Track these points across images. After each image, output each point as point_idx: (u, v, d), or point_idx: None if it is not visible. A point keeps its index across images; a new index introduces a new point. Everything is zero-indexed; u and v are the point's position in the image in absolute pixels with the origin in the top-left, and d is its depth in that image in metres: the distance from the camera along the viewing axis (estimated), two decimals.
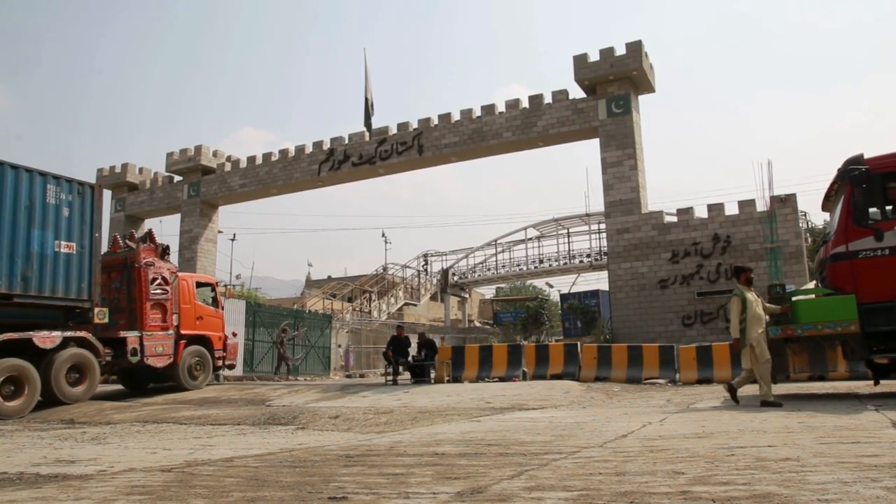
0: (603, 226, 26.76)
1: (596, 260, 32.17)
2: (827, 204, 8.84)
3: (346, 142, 27.48)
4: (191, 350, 13.71)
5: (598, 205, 28.04)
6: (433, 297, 40.59)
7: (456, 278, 38.36)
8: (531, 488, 3.01)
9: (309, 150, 28.20)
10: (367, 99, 23.58)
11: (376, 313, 34.57)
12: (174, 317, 13.30)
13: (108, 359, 11.68)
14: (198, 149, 30.54)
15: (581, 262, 33.53)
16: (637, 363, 13.58)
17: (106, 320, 11.49)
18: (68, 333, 10.82)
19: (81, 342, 11.03)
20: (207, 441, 6.15)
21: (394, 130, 26.55)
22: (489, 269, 37.46)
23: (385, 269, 40.60)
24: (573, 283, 37.33)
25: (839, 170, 7.92)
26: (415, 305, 39.23)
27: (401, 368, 15.37)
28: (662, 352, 13.74)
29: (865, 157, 7.78)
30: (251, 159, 29.88)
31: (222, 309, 15.18)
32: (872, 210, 7.79)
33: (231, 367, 15.73)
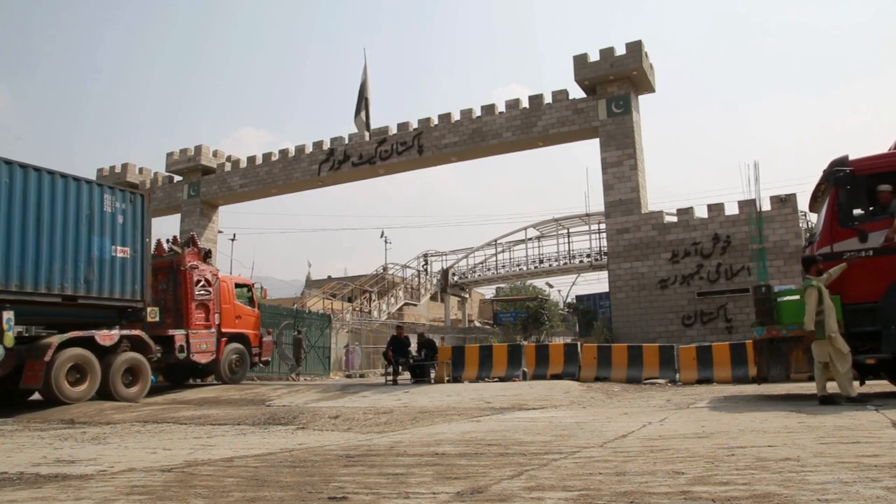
0: (603, 226, 26.77)
1: (596, 260, 32.19)
2: (814, 205, 8.88)
3: (346, 142, 27.49)
4: (231, 347, 14.67)
5: (598, 205, 28.06)
6: (433, 297, 40.61)
7: (456, 278, 38.38)
8: (531, 488, 3.01)
9: (309, 150, 28.21)
10: (366, 99, 23.59)
11: (376, 313, 34.57)
12: (216, 316, 14.19)
13: (158, 355, 12.54)
14: (198, 149, 30.55)
15: (581, 262, 33.54)
16: (637, 363, 13.59)
17: (157, 319, 12.38)
18: (124, 332, 11.69)
19: (135, 340, 11.91)
20: (207, 441, 6.15)
21: (394, 130, 26.56)
22: (489, 269, 37.48)
23: (385, 269, 40.61)
24: (573, 283, 37.39)
25: (824, 171, 7.98)
26: (415, 305, 39.24)
27: (401, 368, 15.38)
28: (662, 352, 13.75)
29: (850, 158, 7.83)
30: (251, 159, 29.89)
31: (258, 309, 16.11)
32: (857, 211, 7.82)
33: (266, 363, 16.67)
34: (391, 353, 15.16)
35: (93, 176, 31.97)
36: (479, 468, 3.68)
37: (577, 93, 23.72)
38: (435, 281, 39.89)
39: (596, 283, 35.21)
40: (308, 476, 3.65)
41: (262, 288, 17.90)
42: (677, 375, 13.18)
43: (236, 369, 14.88)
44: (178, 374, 14.77)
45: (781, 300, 8.05)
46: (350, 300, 35.75)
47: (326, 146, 27.92)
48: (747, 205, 20.85)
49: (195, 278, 13.76)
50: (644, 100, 23.90)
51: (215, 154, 31.19)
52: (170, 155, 31.35)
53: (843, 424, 5.15)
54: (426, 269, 41.12)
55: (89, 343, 10.97)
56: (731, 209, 20.98)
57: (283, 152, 28.96)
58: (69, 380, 10.61)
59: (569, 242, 34.13)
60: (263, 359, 16.06)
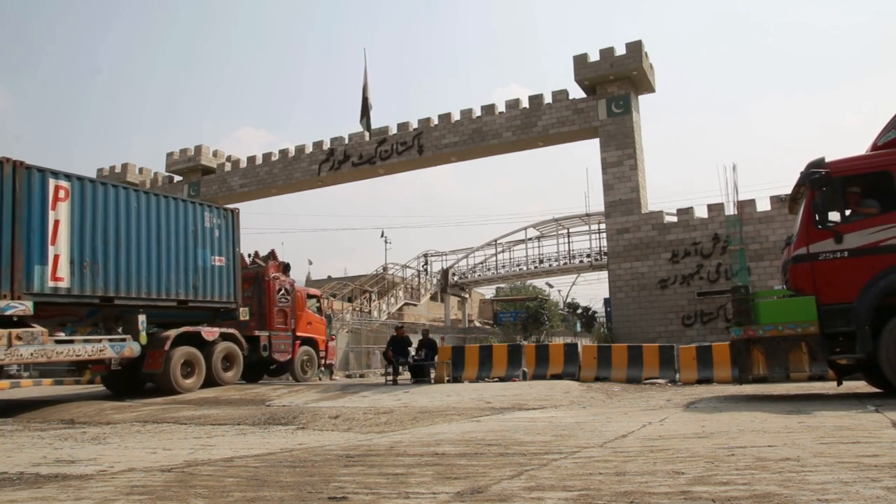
0: (603, 226, 26.78)
1: (596, 260, 32.18)
2: (793, 206, 8.95)
3: (346, 142, 27.50)
4: (303, 349, 16.64)
5: (598, 205, 28.06)
6: (433, 297, 40.60)
7: (456, 278, 38.37)
8: (531, 488, 3.01)
9: (309, 150, 28.22)
10: (366, 98, 23.60)
11: (376, 313, 34.57)
12: (292, 321, 16.15)
13: (246, 353, 14.41)
14: (198, 149, 30.56)
15: (581, 262, 33.53)
16: (637, 363, 13.58)
17: (247, 318, 14.44)
18: (223, 330, 13.73)
19: (231, 337, 13.97)
20: (207, 441, 6.15)
21: (394, 130, 26.56)
22: (489, 269, 37.47)
23: (385, 269, 40.60)
24: (573, 283, 37.38)
25: (802, 173, 8.03)
26: (415, 305, 39.24)
27: (401, 368, 15.38)
28: (662, 352, 13.74)
29: (827, 160, 7.87)
30: (251, 159, 29.90)
31: (325, 317, 18.27)
32: (834, 213, 7.88)
33: (330, 365, 18.72)
34: (391, 352, 15.17)
35: (92, 176, 31.99)
36: (479, 468, 3.68)
37: (577, 93, 23.73)
38: (435, 281, 39.89)
39: (596, 283, 35.22)
40: (308, 476, 3.65)
41: (328, 299, 19.87)
42: (677, 375, 13.17)
43: (306, 369, 16.71)
44: (254, 371, 16.01)
45: (759, 301, 8.10)
46: (350, 300, 35.76)
47: (326, 146, 27.92)
48: (747, 205, 20.88)
49: (277, 287, 15.77)
50: (644, 100, 23.92)
51: (215, 154, 31.20)
52: (170, 155, 31.35)
53: (843, 424, 5.15)
54: (426, 269, 41.11)
55: (197, 337, 13.08)
56: (732, 209, 20.97)
57: (283, 152, 28.96)
58: (182, 372, 12.78)
59: (569, 242, 34.13)
60: (328, 361, 18.12)
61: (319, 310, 17.90)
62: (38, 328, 10.51)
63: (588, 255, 33.12)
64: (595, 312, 37.89)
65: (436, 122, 25.85)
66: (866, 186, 7.90)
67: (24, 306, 10.30)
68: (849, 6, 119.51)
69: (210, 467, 4.21)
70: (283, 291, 15.92)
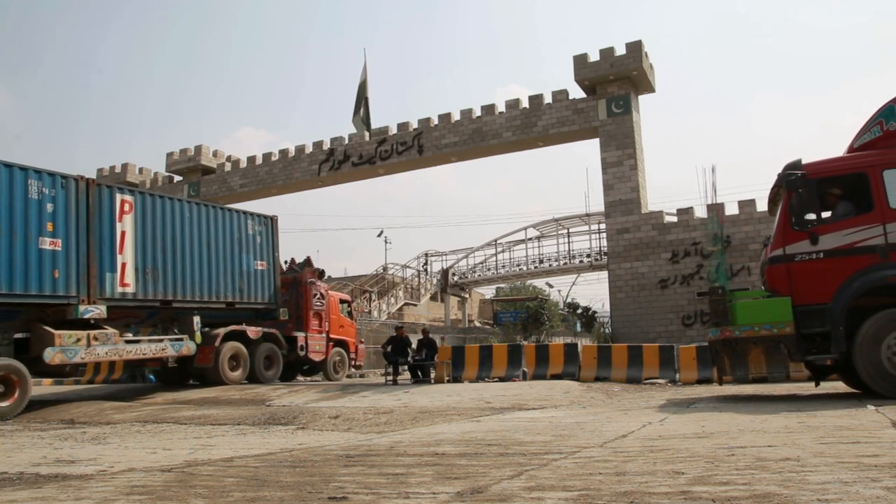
0: (603, 226, 26.77)
1: (596, 260, 32.17)
2: (772, 207, 9.03)
3: (346, 142, 27.49)
4: (336, 350, 17.62)
5: (598, 205, 28.06)
6: (433, 297, 40.58)
7: (456, 278, 38.36)
8: (531, 488, 3.01)
9: (309, 150, 28.20)
10: (366, 98, 23.58)
11: (376, 313, 34.57)
12: (326, 324, 17.17)
13: (286, 352, 15.55)
14: (198, 149, 30.55)
15: (581, 262, 33.52)
16: (637, 363, 13.57)
17: (286, 318, 15.52)
18: (265, 329, 14.89)
19: (272, 337, 15.16)
20: (207, 441, 6.15)
21: (394, 130, 26.55)
22: (489, 269, 37.45)
23: (385, 269, 40.60)
24: (573, 283, 37.37)
25: (779, 174, 8.09)
26: (415, 305, 39.23)
27: (401, 368, 15.38)
28: (662, 352, 13.73)
29: (804, 162, 7.92)
30: (251, 159, 29.89)
31: (355, 321, 19.49)
32: (811, 214, 7.94)
33: (359, 367, 19.97)
34: (391, 352, 15.18)
35: (93, 176, 31.99)
36: (479, 468, 3.68)
37: (577, 93, 23.72)
38: (435, 281, 39.87)
39: (596, 282, 35.24)
40: (308, 476, 3.65)
41: (357, 305, 20.34)
42: (677, 375, 13.17)
43: (338, 369, 17.70)
44: (288, 371, 16.70)
45: (737, 301, 8.14)
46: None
47: (326, 146, 27.90)
48: (747, 205, 20.88)
49: (313, 292, 16.77)
50: (644, 100, 23.91)
51: (215, 154, 31.19)
52: (170, 155, 31.34)
53: (843, 424, 5.15)
54: (426, 269, 41.09)
55: (242, 336, 14.37)
56: (732, 209, 21.00)
57: (283, 152, 28.95)
58: (229, 366, 14.01)
59: (569, 242, 34.12)
60: (358, 363, 19.16)
61: (350, 314, 19.02)
62: (110, 330, 11.67)
63: (588, 255, 33.11)
64: (595, 312, 37.88)
65: (436, 122, 25.84)
66: (842, 188, 7.99)
67: (100, 310, 11.39)
68: (849, 6, 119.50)
69: (210, 467, 4.21)
70: (318, 296, 16.94)
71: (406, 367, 15.61)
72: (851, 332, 7.37)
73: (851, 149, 8.40)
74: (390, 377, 14.92)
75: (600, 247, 31.09)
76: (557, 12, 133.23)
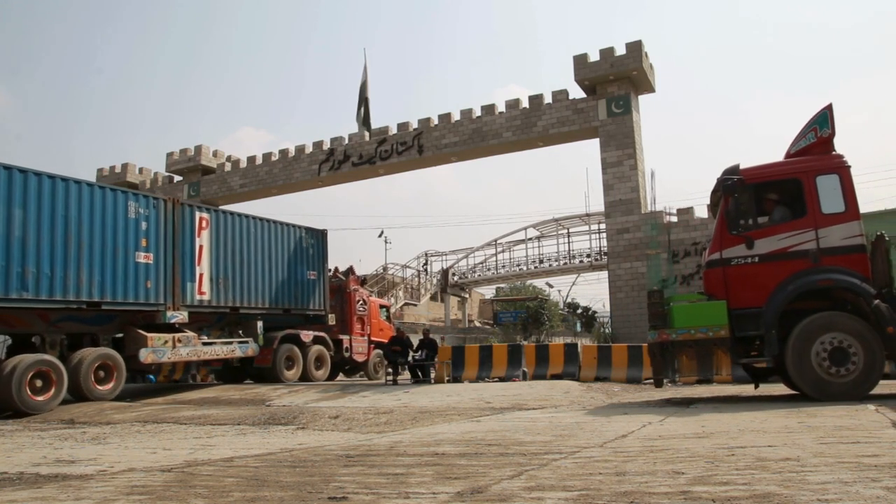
0: (603, 226, 26.76)
1: (596, 260, 32.16)
2: (714, 210, 9.10)
3: (346, 142, 27.47)
4: (376, 352, 18.35)
5: (598, 205, 28.05)
6: (433, 297, 40.56)
7: (456, 278, 38.34)
8: (531, 488, 3.01)
9: (309, 150, 28.19)
10: (366, 99, 23.57)
11: None
12: (368, 327, 18.25)
13: (333, 353, 16.79)
14: (198, 149, 30.54)
15: (581, 262, 33.51)
16: (637, 363, 13.56)
17: (334, 323, 16.94)
18: (316, 333, 16.27)
19: (321, 340, 16.52)
20: (207, 441, 6.15)
21: (394, 130, 26.54)
22: (489, 269, 37.43)
23: (385, 269, 40.58)
24: (573, 283, 37.37)
25: (717, 179, 8.16)
26: (415, 305, 39.21)
27: (400, 368, 15.37)
28: None
29: (742, 167, 8.03)
30: (251, 159, 29.88)
31: (392, 324, 20.27)
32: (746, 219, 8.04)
33: None
34: (391, 351, 15.20)
35: (92, 176, 31.97)
36: (479, 468, 3.68)
37: (577, 93, 23.71)
38: (435, 281, 39.86)
39: (596, 282, 35.24)
40: (308, 476, 3.65)
41: (396, 310, 21.24)
42: (677, 375, 13.16)
43: (378, 369, 18.36)
44: (332, 370, 17.58)
45: (674, 305, 8.21)
46: None
47: (326, 146, 27.89)
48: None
49: (356, 298, 17.97)
50: (644, 99, 23.90)
51: (215, 154, 31.17)
52: (170, 155, 31.33)
53: (843, 424, 5.14)
54: (426, 269, 41.08)
55: (296, 339, 15.69)
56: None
57: (283, 152, 28.94)
58: (285, 366, 15.29)
59: (569, 242, 34.10)
60: None
61: (388, 318, 20.08)
62: (190, 333, 13.13)
63: (588, 255, 33.11)
64: (595, 312, 37.86)
65: (436, 122, 25.82)
66: (778, 193, 8.09)
67: (182, 315, 12.87)
68: (849, 6, 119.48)
69: (210, 467, 4.21)
70: (361, 301, 18.21)
71: (406, 367, 15.60)
72: (784, 336, 7.48)
73: (788, 154, 8.53)
74: (390, 377, 14.92)
75: (600, 247, 31.08)
76: (557, 12, 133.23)
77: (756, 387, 9.27)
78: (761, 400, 8.51)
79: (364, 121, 23.77)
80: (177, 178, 31.43)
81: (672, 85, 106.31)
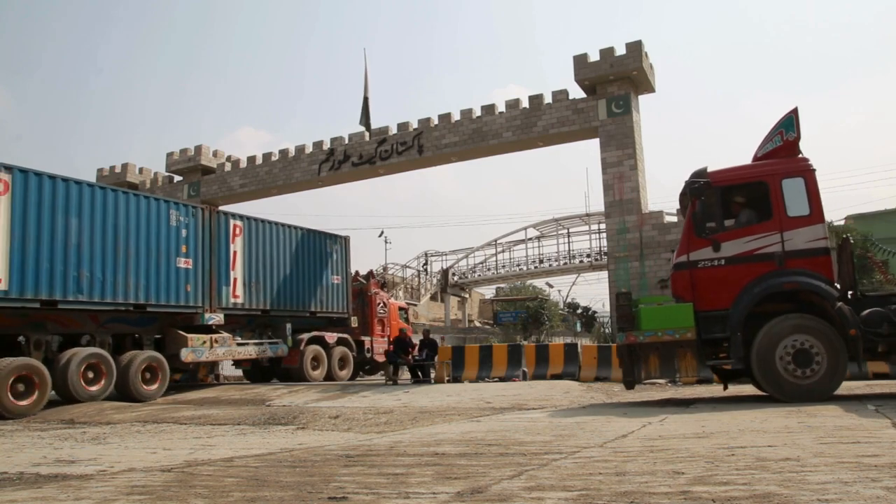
0: (603, 226, 26.76)
1: (596, 260, 32.16)
2: (684, 213, 9.12)
3: (346, 142, 27.45)
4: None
5: (598, 205, 28.05)
6: (433, 297, 40.57)
7: (456, 278, 38.35)
8: (531, 488, 3.01)
9: (309, 150, 28.16)
10: (366, 98, 23.56)
11: None
12: (388, 329, 18.87)
13: (356, 354, 17.51)
14: (198, 149, 30.50)
15: (581, 262, 33.51)
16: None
17: (356, 325, 17.81)
18: (340, 335, 17.18)
19: (345, 341, 17.36)
20: (207, 441, 6.15)
21: (394, 130, 26.51)
22: (489, 269, 37.45)
23: (385, 268, 40.59)
24: (573, 283, 37.37)
25: (685, 182, 8.20)
26: (415, 305, 39.20)
27: (400, 369, 15.38)
28: None
29: (709, 170, 8.07)
30: (251, 159, 29.85)
31: (410, 325, 20.99)
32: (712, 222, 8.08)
33: None
34: (392, 352, 15.20)
35: (93, 176, 31.94)
36: (479, 468, 3.68)
37: (577, 93, 23.68)
38: (435, 281, 39.86)
39: (596, 283, 35.25)
40: (308, 476, 3.65)
41: (415, 314, 22.35)
42: (677, 375, 13.15)
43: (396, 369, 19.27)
44: (354, 369, 18.28)
45: (642, 307, 8.24)
46: None
47: (326, 146, 27.85)
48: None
49: (377, 301, 18.73)
50: (644, 99, 23.88)
51: (215, 154, 31.14)
52: (170, 155, 31.30)
53: (843, 424, 5.14)
54: (426, 269, 41.09)
55: (321, 340, 16.53)
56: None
57: (283, 152, 28.92)
58: (311, 366, 16.03)
59: (569, 242, 34.12)
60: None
61: (407, 320, 20.86)
62: (226, 334, 13.95)
63: (588, 255, 33.11)
64: (595, 312, 37.86)
65: (436, 122, 25.81)
66: (745, 196, 8.12)
67: (219, 317, 13.65)
68: (849, 6, 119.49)
69: (210, 467, 4.21)
70: (381, 304, 18.98)
71: (406, 367, 15.61)
72: (751, 338, 7.51)
73: (755, 157, 8.56)
74: (390, 377, 14.91)
75: (600, 247, 31.08)
76: (557, 12, 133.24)
77: (725, 388, 9.39)
78: (761, 400, 8.50)
79: (364, 121, 23.74)
80: (177, 178, 31.40)
81: (672, 85, 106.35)
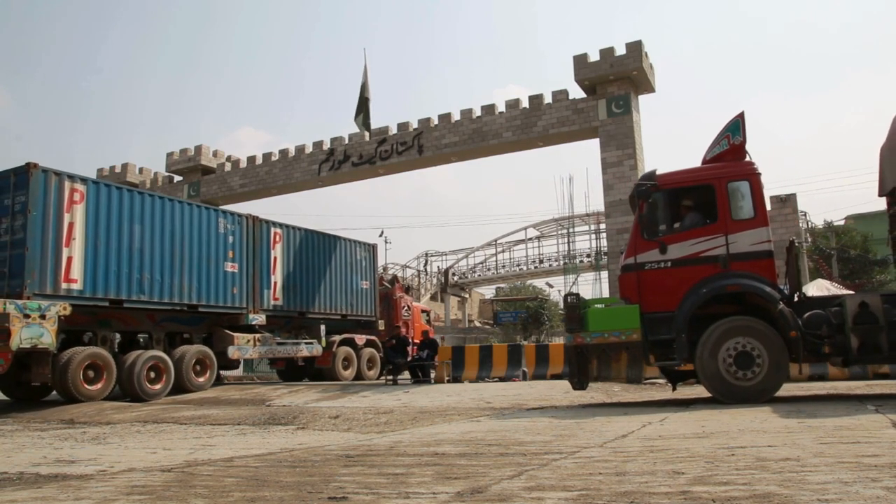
0: (603, 226, 26.75)
1: (596, 260, 32.17)
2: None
3: (346, 142, 27.46)
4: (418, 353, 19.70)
5: (598, 205, 28.03)
6: (433, 297, 40.58)
7: (456, 278, 38.37)
8: (531, 488, 3.01)
9: (309, 150, 28.17)
10: (366, 99, 23.53)
11: None
12: (412, 331, 19.50)
13: (382, 355, 17.83)
14: (198, 149, 30.51)
15: (581, 262, 33.51)
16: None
17: (383, 328, 18.61)
18: (368, 336, 18.11)
19: (372, 342, 18.22)
20: (207, 441, 6.15)
21: (394, 130, 26.52)
22: (489, 269, 37.48)
23: (385, 269, 40.59)
24: (573, 283, 37.35)
25: (635, 184, 8.39)
26: None
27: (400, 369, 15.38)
28: None
29: (658, 172, 8.16)
30: (251, 159, 29.86)
31: (432, 327, 21.68)
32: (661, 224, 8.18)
33: (435, 367, 22.42)
34: (391, 349, 15.24)
35: (92, 176, 31.95)
36: (479, 468, 3.68)
37: (577, 93, 23.69)
38: (435, 281, 39.86)
39: (596, 283, 35.20)
40: (308, 476, 3.65)
41: (434, 314, 23.34)
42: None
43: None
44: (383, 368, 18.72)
45: (589, 309, 8.31)
46: None
47: (326, 146, 27.87)
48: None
49: (402, 304, 19.69)
50: (644, 99, 23.89)
51: (215, 154, 31.15)
52: (170, 155, 31.31)
53: (843, 424, 5.14)
54: (426, 269, 41.10)
55: (352, 342, 17.43)
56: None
57: (283, 152, 28.93)
58: (342, 366, 16.88)
59: (569, 242, 34.13)
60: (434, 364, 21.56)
61: (429, 322, 21.72)
62: (267, 334, 14.77)
63: (588, 255, 33.11)
64: None
65: (436, 122, 25.81)
66: (692, 199, 8.17)
67: (261, 318, 14.56)
68: (849, 6, 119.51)
69: (210, 467, 4.21)
70: (405, 307, 19.91)
71: (406, 367, 15.60)
72: (695, 340, 7.55)
73: (704, 161, 8.60)
74: (390, 377, 14.91)
75: (600, 247, 31.07)
76: (558, 12, 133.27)
77: (674, 389, 9.50)
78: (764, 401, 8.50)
79: (364, 121, 23.71)
80: (177, 178, 31.41)
81: (672, 85, 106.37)
